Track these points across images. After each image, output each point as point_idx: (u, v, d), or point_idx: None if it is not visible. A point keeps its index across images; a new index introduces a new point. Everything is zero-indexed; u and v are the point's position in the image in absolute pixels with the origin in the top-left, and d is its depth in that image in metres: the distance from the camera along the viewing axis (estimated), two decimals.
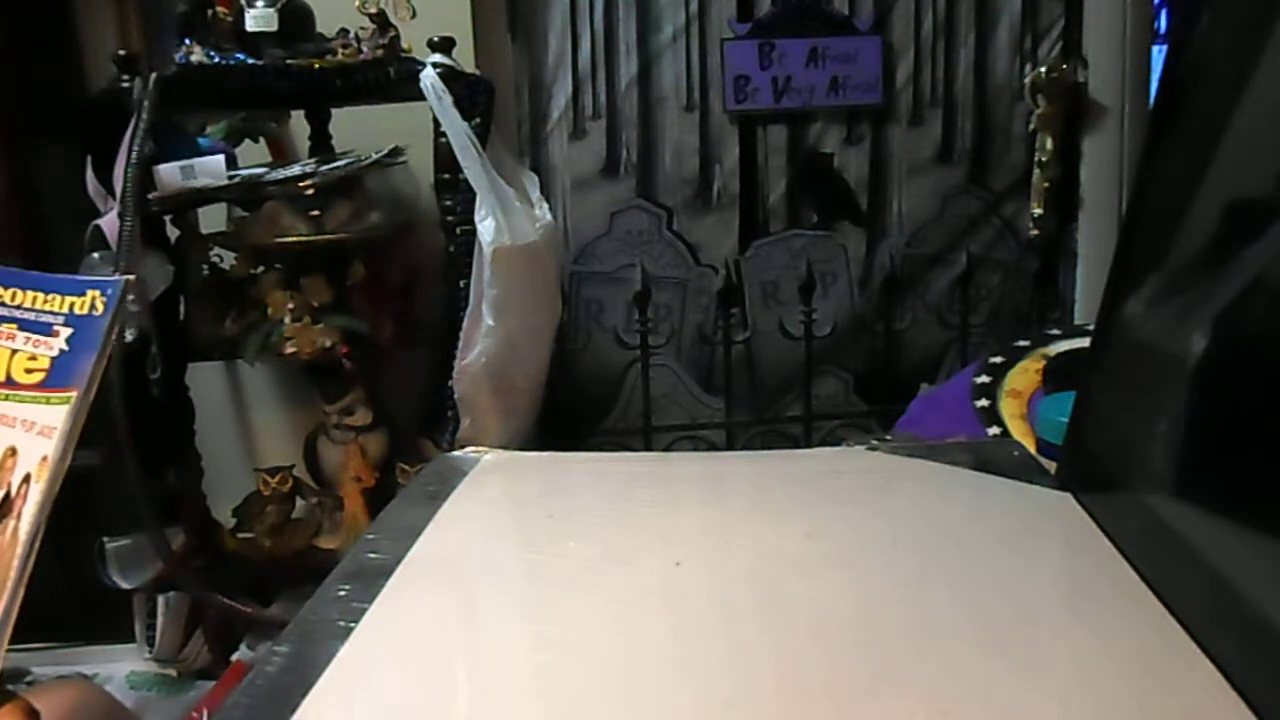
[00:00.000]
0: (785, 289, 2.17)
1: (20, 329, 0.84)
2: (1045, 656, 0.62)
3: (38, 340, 0.84)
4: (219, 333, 1.68)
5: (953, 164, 2.15)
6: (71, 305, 0.85)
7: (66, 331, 0.84)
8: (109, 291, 0.86)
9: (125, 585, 1.62)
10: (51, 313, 0.85)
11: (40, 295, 0.85)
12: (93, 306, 0.85)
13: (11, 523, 0.78)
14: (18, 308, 0.85)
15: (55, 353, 0.83)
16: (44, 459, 0.79)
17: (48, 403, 0.82)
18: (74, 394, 0.82)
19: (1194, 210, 0.76)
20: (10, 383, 0.83)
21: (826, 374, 2.21)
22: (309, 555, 1.72)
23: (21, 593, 0.76)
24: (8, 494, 0.79)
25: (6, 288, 0.86)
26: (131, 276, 0.99)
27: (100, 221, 1.51)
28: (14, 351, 0.84)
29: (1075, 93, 2.08)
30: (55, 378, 0.83)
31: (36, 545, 0.77)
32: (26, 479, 0.79)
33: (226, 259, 1.74)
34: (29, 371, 0.83)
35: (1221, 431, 0.68)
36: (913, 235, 2.17)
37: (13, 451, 0.80)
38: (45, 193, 1.85)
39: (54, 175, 1.81)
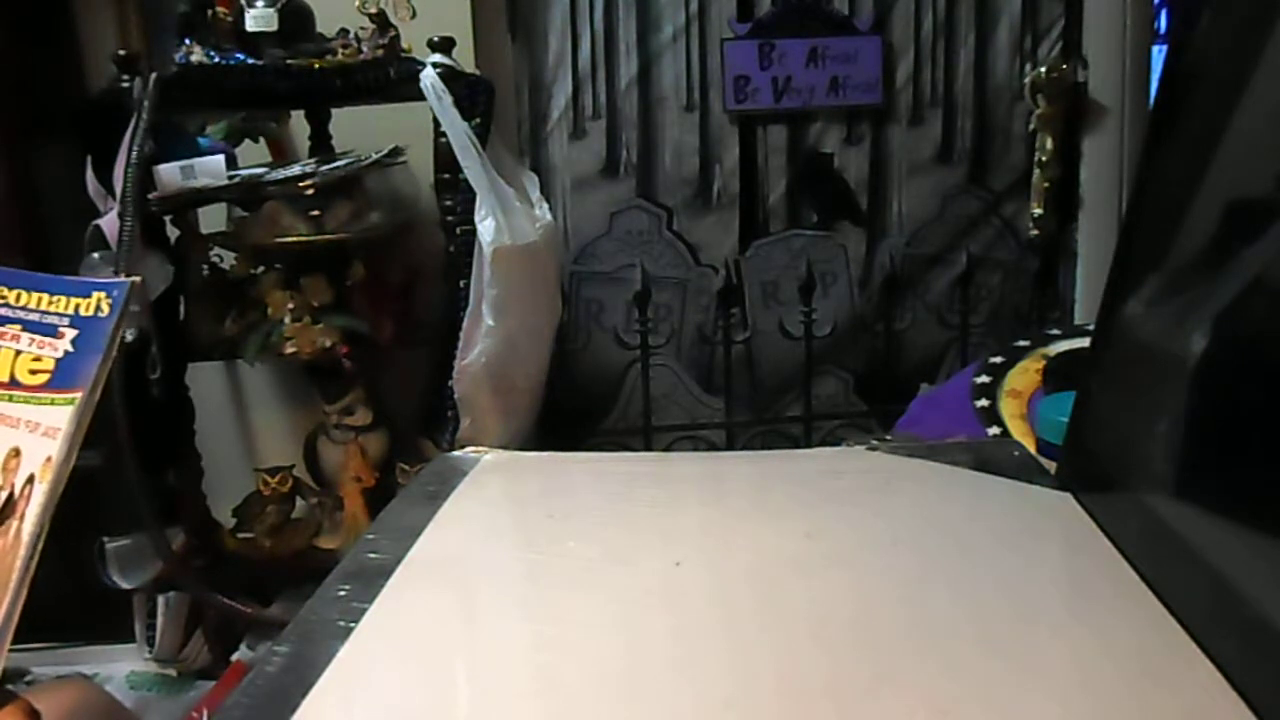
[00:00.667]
0: (785, 289, 2.17)
1: (25, 330, 0.85)
2: (1045, 656, 0.62)
3: (42, 341, 0.84)
4: (219, 333, 1.68)
5: (953, 164, 2.15)
6: (77, 307, 0.85)
7: (71, 333, 0.84)
8: (114, 293, 0.86)
9: (125, 585, 1.62)
10: (57, 314, 0.85)
11: (45, 297, 0.86)
12: (98, 308, 0.85)
13: (15, 523, 0.78)
14: (23, 309, 0.85)
15: (60, 354, 0.84)
16: (48, 460, 0.80)
17: (52, 404, 0.82)
18: (78, 395, 0.82)
19: (1194, 210, 0.76)
20: (15, 384, 0.83)
21: (826, 374, 2.21)
22: (309, 555, 1.72)
23: (24, 594, 0.77)
24: (11, 495, 0.79)
25: (12, 289, 0.86)
26: (139, 279, 0.99)
27: (100, 221, 1.51)
28: (19, 353, 0.84)
29: (1075, 93, 2.08)
30: (60, 379, 0.83)
31: (40, 546, 0.77)
32: (30, 480, 0.79)
33: (226, 259, 1.74)
34: (33, 373, 0.83)
35: (1221, 431, 0.68)
36: (913, 235, 2.17)
37: (16, 452, 0.80)
38: (45, 193, 1.85)
39: (54, 175, 1.81)
